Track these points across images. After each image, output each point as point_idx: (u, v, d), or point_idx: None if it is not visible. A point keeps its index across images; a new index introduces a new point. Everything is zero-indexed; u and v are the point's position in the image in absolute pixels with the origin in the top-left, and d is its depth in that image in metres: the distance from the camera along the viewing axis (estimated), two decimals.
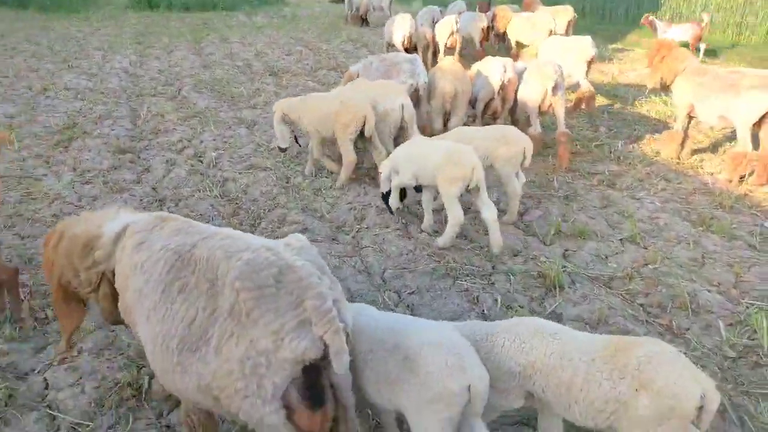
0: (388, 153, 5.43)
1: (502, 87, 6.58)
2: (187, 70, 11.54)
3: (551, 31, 10.40)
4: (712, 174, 6.47)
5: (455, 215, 4.60)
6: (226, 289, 1.97)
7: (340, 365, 1.89)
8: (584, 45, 7.69)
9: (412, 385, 2.27)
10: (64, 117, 8.26)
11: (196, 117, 8.53)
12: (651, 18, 13.18)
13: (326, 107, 5.73)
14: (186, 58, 12.64)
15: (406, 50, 10.75)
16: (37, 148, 7.03)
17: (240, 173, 6.49)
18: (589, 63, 7.77)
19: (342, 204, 5.82)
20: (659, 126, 8.14)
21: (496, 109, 6.80)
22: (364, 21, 17.31)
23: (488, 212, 4.62)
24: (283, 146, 6.20)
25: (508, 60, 6.67)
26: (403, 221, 5.40)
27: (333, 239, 5.17)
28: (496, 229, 4.68)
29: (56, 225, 2.90)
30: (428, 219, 5.13)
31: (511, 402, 2.60)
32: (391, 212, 5.16)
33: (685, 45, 10.98)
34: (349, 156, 5.83)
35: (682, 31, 12.17)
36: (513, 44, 11.59)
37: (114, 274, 2.49)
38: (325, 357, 1.93)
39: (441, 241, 4.83)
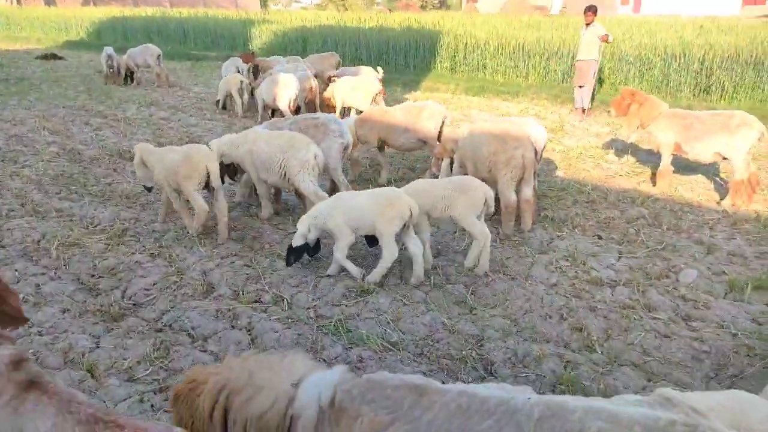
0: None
1: None
2: None
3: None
4: (718, 202, 6.64)
5: (391, 252, 4.62)
6: None
7: None
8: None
9: None
10: None
11: None
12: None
13: (170, 159, 5.47)
14: None
15: (294, 112, 9.86)
16: None
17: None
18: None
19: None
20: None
21: None
22: (128, 79, 15.71)
23: (415, 247, 4.70)
24: (149, 185, 5.94)
25: None
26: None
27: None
28: (420, 263, 4.69)
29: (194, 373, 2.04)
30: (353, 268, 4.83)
31: None
32: (289, 264, 4.91)
33: None
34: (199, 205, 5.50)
35: None
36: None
37: None
38: None
39: (371, 277, 4.69)
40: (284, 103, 10.09)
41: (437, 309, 4.28)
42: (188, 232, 5.66)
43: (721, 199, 6.69)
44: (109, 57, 15.45)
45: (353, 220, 4.65)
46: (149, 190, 6.05)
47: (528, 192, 5.59)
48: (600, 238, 5.69)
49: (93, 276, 4.83)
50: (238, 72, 13.06)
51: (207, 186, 5.51)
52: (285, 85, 10.08)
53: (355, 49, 19.38)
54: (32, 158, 8.31)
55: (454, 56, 17.33)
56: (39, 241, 5.49)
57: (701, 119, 6.65)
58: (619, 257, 5.24)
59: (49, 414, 1.72)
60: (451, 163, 6.73)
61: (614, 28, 15.71)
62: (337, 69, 13.53)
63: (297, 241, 4.78)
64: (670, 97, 12.84)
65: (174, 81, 15.93)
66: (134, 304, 4.38)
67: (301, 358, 2.00)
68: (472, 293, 4.54)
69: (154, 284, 4.68)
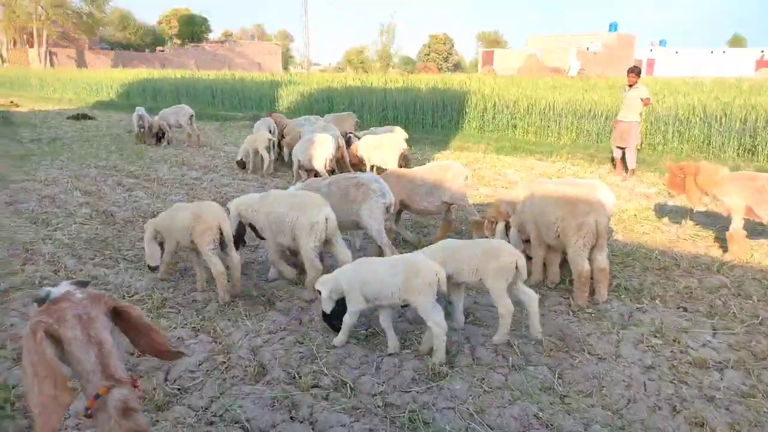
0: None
1: None
2: None
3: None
4: None
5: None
6: None
7: None
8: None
9: None
10: None
11: None
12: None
13: (181, 216, 5.46)
14: None
15: (329, 172, 9.59)
16: None
17: None
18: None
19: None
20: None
21: None
22: (159, 140, 15.68)
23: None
24: (153, 265, 5.76)
25: None
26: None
27: None
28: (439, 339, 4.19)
29: None
30: (392, 338, 4.46)
31: None
32: (336, 330, 4.56)
33: None
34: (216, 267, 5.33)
35: None
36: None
37: None
38: None
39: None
40: (320, 163, 9.85)
41: (524, 397, 3.73)
42: (233, 303, 5.23)
43: None
44: (141, 117, 15.57)
45: (371, 292, 4.31)
46: (153, 270, 5.86)
47: (603, 260, 5.10)
48: (686, 310, 5.13)
49: (132, 354, 4.37)
50: (270, 132, 12.99)
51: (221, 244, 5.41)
52: (321, 145, 9.86)
53: (381, 109, 19.45)
54: (65, 220, 8.04)
55: (483, 116, 17.24)
56: None
57: None
58: (714, 333, 4.67)
59: None
60: (506, 227, 6.32)
61: None
62: (355, 130, 13.47)
63: (327, 307, 4.49)
64: (714, 157, 12.45)
65: (204, 141, 15.95)
66: (179, 389, 3.89)
67: None
68: (559, 377, 3.98)
69: (199, 365, 4.20)
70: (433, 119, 18.25)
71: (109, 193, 9.74)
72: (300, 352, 4.39)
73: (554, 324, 4.81)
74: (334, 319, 4.56)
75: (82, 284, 2.57)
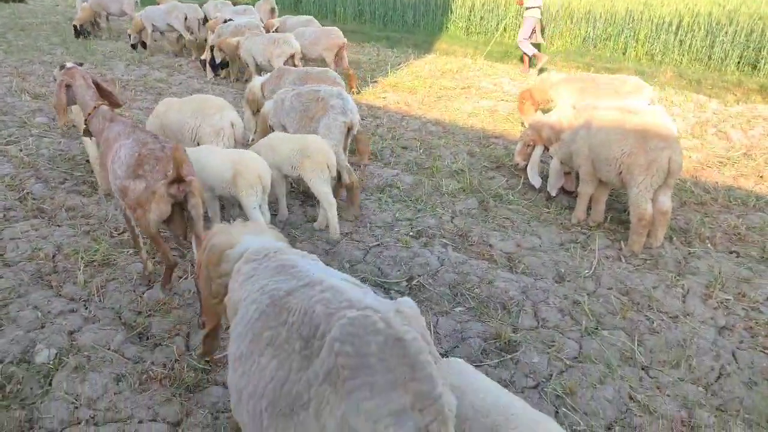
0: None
1: None
2: None
3: None
4: None
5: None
6: (323, 351, 1.62)
7: None
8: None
9: None
10: None
11: None
12: None
13: None
14: None
15: None
16: None
17: None
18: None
19: None
20: None
21: None
22: (80, 34, 13.32)
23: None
24: None
25: None
26: None
27: None
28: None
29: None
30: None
31: None
32: None
33: None
34: None
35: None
36: None
37: None
38: None
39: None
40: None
41: (610, 372, 3.32)
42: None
43: None
44: None
45: (208, 180, 4.23)
46: None
47: (666, 202, 4.61)
48: (738, 255, 4.80)
49: (140, 314, 3.68)
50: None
51: None
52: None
53: (356, 4, 17.77)
54: (18, 132, 6.88)
55: (470, 16, 15.98)
56: (54, 257, 4.27)
57: (597, 82, 6.72)
58: None
59: None
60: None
61: None
62: (270, 17, 12.25)
63: None
64: (714, 71, 11.96)
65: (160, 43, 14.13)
66: (208, 362, 3.28)
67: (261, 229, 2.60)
68: (639, 344, 3.59)
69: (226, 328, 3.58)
70: (414, 18, 16.82)
71: None
72: None
73: (613, 274, 4.37)
74: None
75: (80, 64, 4.26)
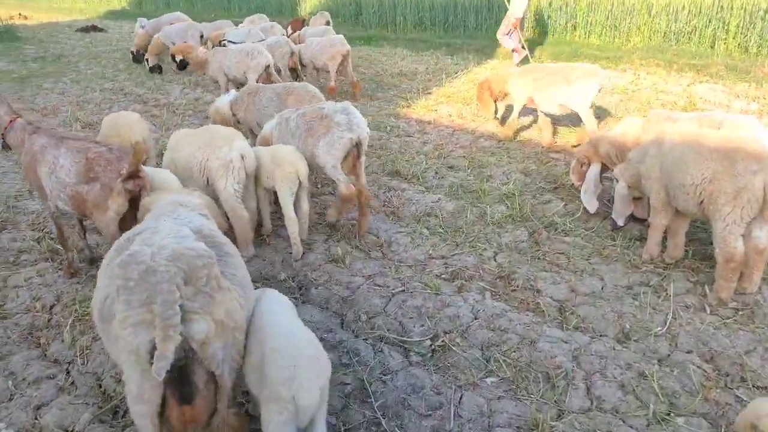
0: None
1: None
2: None
3: None
4: None
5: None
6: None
7: (156, 369, 1.89)
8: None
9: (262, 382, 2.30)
10: None
11: None
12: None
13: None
14: None
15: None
16: None
17: None
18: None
19: None
20: None
21: None
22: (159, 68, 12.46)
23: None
24: None
25: None
26: None
27: None
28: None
29: None
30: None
31: None
32: None
33: None
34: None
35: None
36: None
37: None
38: (195, 356, 2.07)
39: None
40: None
41: None
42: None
43: None
44: (143, 28, 13.76)
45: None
46: None
47: (763, 238, 3.63)
48: None
49: (119, 381, 3.26)
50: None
51: None
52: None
53: (417, 11, 17.19)
54: None
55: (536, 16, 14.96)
56: (52, 308, 3.97)
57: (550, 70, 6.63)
58: None
59: None
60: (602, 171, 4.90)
61: None
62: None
63: None
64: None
65: None
66: None
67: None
68: None
69: None
70: (476, 22, 16.00)
71: None
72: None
73: (693, 331, 3.48)
74: None
75: None
